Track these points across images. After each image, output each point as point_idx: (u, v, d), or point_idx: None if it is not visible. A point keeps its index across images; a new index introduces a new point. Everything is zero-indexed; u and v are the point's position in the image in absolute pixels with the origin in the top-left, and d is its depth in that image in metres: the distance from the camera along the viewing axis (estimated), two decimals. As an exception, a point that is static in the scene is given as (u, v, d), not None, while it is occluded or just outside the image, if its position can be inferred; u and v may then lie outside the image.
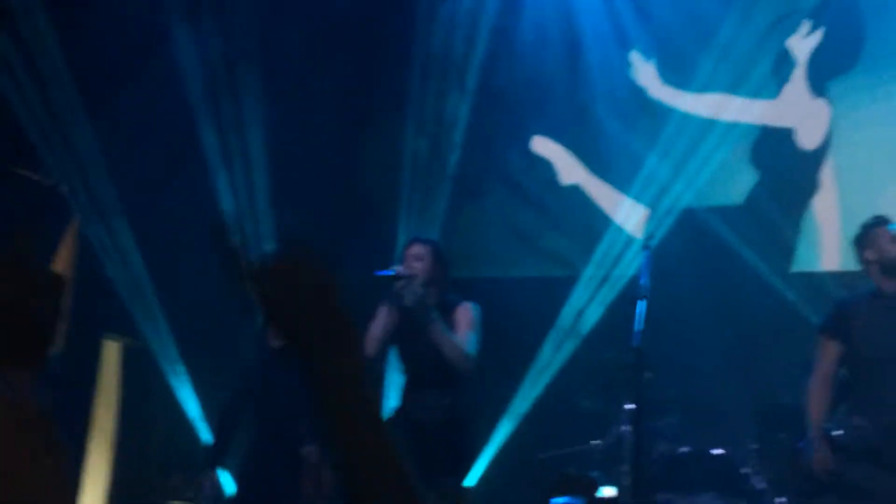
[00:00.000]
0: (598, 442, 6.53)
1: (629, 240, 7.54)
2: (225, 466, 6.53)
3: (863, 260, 5.43)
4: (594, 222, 7.77)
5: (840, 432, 5.33)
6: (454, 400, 5.55)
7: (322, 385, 1.54)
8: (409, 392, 5.68)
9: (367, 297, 5.73)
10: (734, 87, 7.43)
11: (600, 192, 7.85)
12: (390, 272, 5.53)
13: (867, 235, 5.38)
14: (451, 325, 5.57)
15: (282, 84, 8.21)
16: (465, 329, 5.56)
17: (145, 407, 7.97)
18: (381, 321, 5.63)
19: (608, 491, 4.69)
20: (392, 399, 6.15)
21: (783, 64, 7.40)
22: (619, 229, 7.63)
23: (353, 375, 1.55)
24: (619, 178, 7.74)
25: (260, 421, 6.47)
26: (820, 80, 7.33)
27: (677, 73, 7.66)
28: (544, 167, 8.04)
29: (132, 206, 7.98)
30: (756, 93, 7.44)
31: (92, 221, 7.79)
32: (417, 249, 5.64)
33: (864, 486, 5.15)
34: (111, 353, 8.05)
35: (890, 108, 7.10)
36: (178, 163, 8.08)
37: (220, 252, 1.62)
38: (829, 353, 5.41)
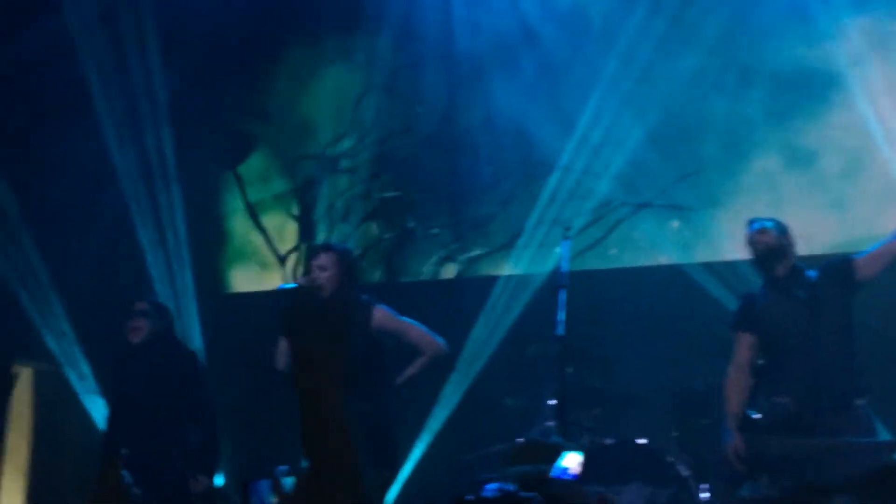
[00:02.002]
0: (521, 440, 6.53)
1: (546, 234, 7.61)
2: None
3: None
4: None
5: (759, 415, 5.48)
6: (376, 405, 5.51)
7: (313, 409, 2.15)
8: None
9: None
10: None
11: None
12: (292, 286, 5.53)
13: (746, 237, 5.72)
14: (366, 329, 5.55)
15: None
16: (413, 330, 5.65)
17: (59, 431, 7.79)
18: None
19: (573, 457, 4.67)
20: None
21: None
22: (536, 224, 7.72)
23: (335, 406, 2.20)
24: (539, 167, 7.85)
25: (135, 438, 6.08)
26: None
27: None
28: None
29: (41, 226, 7.87)
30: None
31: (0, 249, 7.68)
32: (322, 260, 5.57)
33: (789, 455, 5.30)
34: (23, 379, 7.88)
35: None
36: (88, 182, 8.00)
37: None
38: (742, 346, 5.64)
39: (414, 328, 5.65)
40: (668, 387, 6.50)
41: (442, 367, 5.81)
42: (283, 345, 5.60)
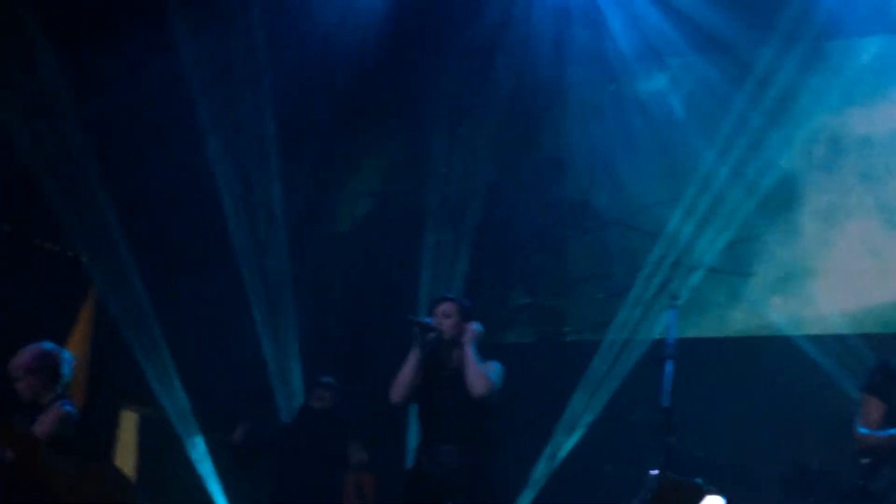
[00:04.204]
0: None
1: (651, 301, 7.53)
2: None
3: None
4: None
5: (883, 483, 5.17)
6: (474, 459, 5.47)
7: None
8: (425, 447, 5.63)
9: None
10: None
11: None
12: (426, 319, 5.59)
13: None
14: None
15: (301, 144, 8.34)
16: (488, 366, 5.59)
17: (163, 477, 7.90)
18: (409, 370, 5.60)
19: (715, 500, 4.53)
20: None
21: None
22: (643, 290, 7.64)
23: None
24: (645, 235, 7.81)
25: (286, 475, 6.80)
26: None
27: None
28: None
29: (153, 275, 8.03)
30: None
31: (112, 290, 7.84)
32: (446, 307, 5.70)
33: None
34: (129, 423, 8.01)
35: None
36: (198, 232, 8.14)
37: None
38: (872, 411, 5.21)
39: (487, 365, 5.58)
40: (775, 462, 6.33)
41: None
42: (403, 377, 5.61)
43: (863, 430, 5.18)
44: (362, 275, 8.57)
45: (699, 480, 5.00)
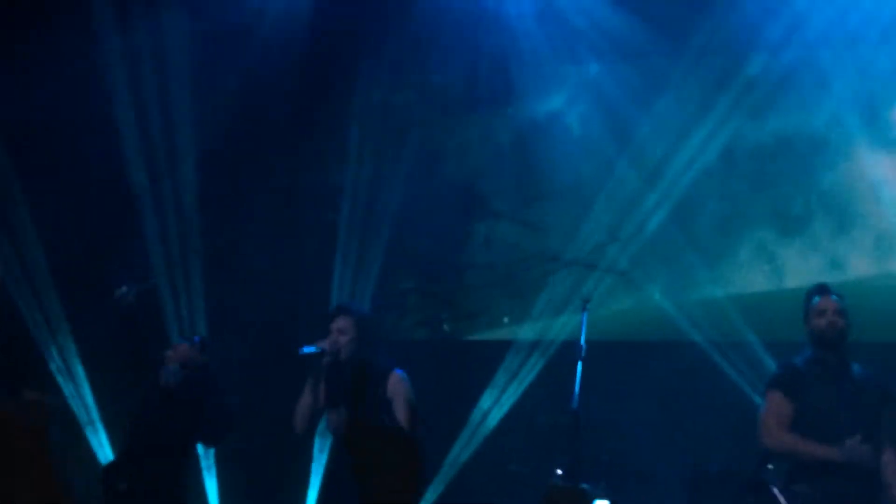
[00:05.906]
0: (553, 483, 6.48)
1: (562, 303, 7.60)
2: None
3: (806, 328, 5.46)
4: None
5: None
6: None
7: None
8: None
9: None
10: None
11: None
12: (314, 349, 5.61)
13: (806, 306, 5.42)
14: (383, 394, 5.62)
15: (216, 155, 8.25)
16: (404, 412, 5.60)
17: (63, 464, 7.76)
18: (307, 399, 5.77)
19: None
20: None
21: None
22: (552, 292, 7.71)
23: None
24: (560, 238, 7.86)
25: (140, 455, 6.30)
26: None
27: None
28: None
29: (54, 259, 7.89)
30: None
31: (12, 273, 7.70)
32: (341, 323, 5.70)
33: None
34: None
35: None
36: (110, 227, 8.03)
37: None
38: (780, 408, 5.31)
39: (405, 412, 5.61)
40: (679, 465, 6.45)
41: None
42: (301, 409, 5.72)
43: (774, 434, 5.25)
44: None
45: (586, 486, 5.12)
